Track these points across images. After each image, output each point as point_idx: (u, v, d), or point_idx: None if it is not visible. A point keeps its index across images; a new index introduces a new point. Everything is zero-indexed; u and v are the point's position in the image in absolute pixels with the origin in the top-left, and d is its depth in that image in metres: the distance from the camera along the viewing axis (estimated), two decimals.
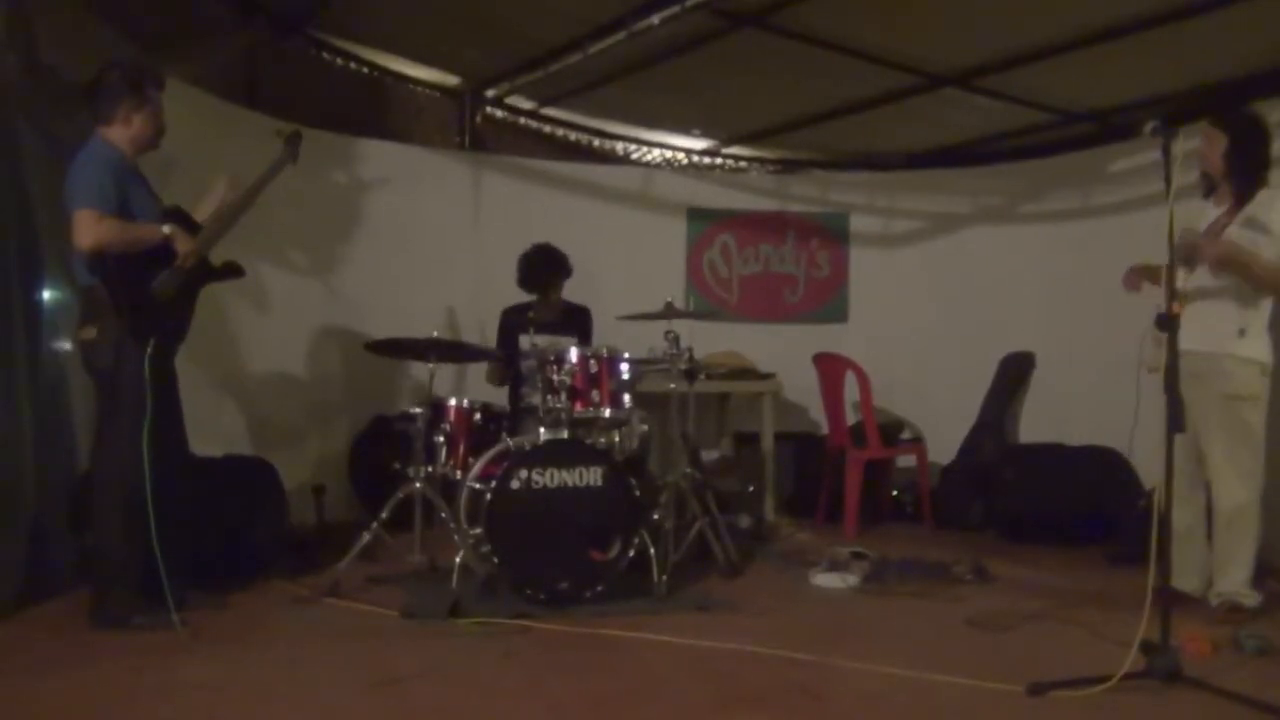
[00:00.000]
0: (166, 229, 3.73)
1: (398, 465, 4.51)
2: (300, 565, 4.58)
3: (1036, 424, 6.65)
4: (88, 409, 4.12)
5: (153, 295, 3.69)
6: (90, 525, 3.82)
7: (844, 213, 7.38)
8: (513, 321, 5.46)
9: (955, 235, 7.22)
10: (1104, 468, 5.79)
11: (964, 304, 7.02)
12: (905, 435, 6.65)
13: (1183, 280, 3.83)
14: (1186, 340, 3.30)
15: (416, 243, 6.51)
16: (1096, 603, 4.25)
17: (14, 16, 3.91)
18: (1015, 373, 6.77)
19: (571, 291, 5.60)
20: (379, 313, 6.04)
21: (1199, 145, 4.10)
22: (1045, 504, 5.77)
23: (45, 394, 4.09)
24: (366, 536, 4.29)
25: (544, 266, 5.43)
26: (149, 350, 3.62)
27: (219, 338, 5.40)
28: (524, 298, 5.55)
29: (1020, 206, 7.06)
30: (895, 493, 6.59)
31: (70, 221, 3.59)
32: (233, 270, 4.03)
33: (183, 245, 3.76)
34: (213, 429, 5.09)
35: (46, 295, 4.17)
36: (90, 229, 3.55)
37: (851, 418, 6.39)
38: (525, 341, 5.11)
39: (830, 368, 6.39)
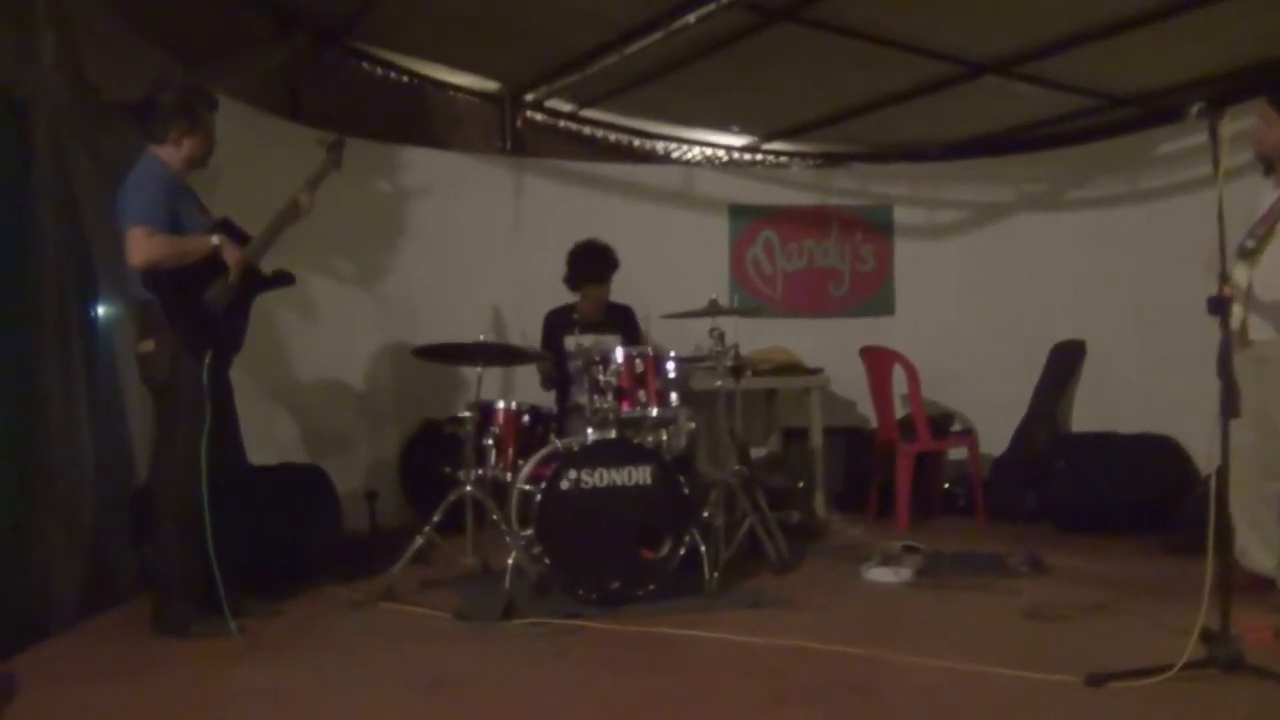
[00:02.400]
0: (215, 239, 3.78)
1: (448, 469, 4.52)
2: (354, 570, 4.62)
3: (1088, 413, 6.56)
4: (146, 422, 4.18)
5: (206, 307, 3.75)
6: (150, 536, 3.88)
7: (887, 205, 7.32)
8: (557, 323, 5.48)
9: (1001, 224, 7.14)
10: (1158, 456, 5.71)
11: (1012, 293, 6.94)
12: (955, 427, 6.60)
13: (1244, 276, 3.76)
14: (1258, 329, 3.24)
15: (460, 248, 6.53)
16: (1154, 592, 4.20)
17: (61, 36, 3.97)
18: (1066, 362, 6.68)
19: (616, 292, 5.61)
20: (425, 318, 6.07)
21: (1256, 126, 4.02)
22: (1099, 493, 5.69)
23: (104, 407, 4.16)
24: (419, 540, 4.32)
25: (594, 258, 5.43)
26: (205, 361, 3.67)
27: (270, 348, 5.46)
28: (566, 299, 5.56)
29: (1066, 193, 6.97)
30: (946, 485, 6.53)
31: (123, 239, 3.65)
32: (284, 278, 4.07)
33: (231, 256, 3.81)
34: (266, 438, 5.14)
35: (101, 311, 4.25)
36: (142, 246, 3.61)
37: (900, 411, 6.34)
38: (570, 342, 5.12)
39: (878, 361, 6.35)
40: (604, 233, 5.68)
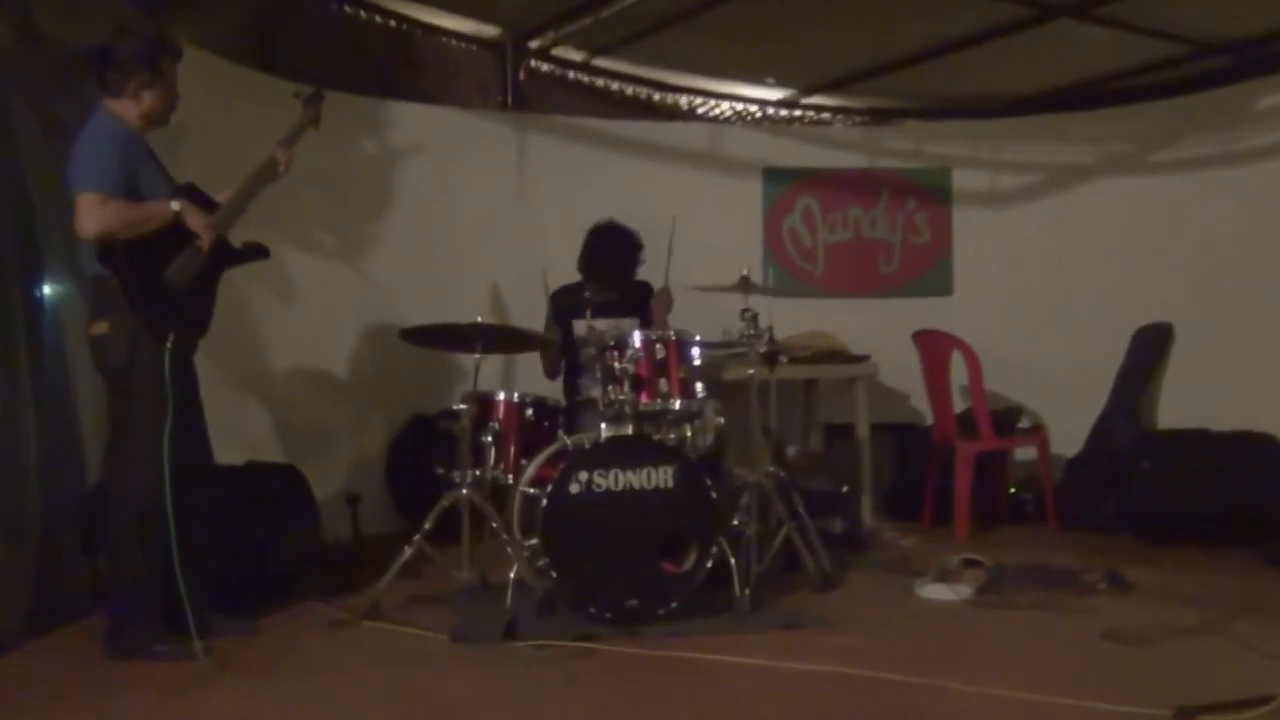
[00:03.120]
0: (175, 204, 3.77)
1: (441, 470, 4.53)
2: (335, 584, 4.63)
3: (1177, 407, 6.54)
4: (99, 413, 4.20)
5: (168, 284, 3.74)
6: (104, 544, 3.90)
7: (945, 168, 7.30)
8: (566, 304, 5.46)
9: (1076, 190, 7.11)
10: (1257, 456, 5.68)
11: (1088, 269, 6.92)
12: (1023, 423, 6.58)
13: None
14: None
15: (455, 217, 6.56)
16: (1251, 612, 4.18)
17: None
18: (1151, 348, 6.66)
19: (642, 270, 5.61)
20: (416, 298, 6.08)
21: None
22: (1189, 500, 5.66)
23: (51, 398, 4.17)
24: (408, 551, 4.33)
25: (613, 257, 5.40)
26: (168, 345, 3.67)
27: (239, 330, 5.47)
28: (575, 277, 5.55)
29: (1151, 154, 6.93)
30: (1012, 490, 6.53)
31: (73, 206, 3.64)
32: (255, 251, 4.07)
33: (195, 223, 3.80)
34: (235, 433, 5.16)
35: (49, 289, 4.26)
36: (93, 214, 3.60)
37: (959, 404, 6.33)
38: (581, 326, 5.11)
39: (933, 347, 6.33)
40: (619, 199, 5.67)
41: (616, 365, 4.35)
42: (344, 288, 6.20)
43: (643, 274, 5.59)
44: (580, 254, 5.46)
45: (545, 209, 6.67)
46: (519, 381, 6.23)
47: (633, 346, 4.38)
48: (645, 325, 5.34)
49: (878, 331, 6.62)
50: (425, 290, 6.20)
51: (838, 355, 6.36)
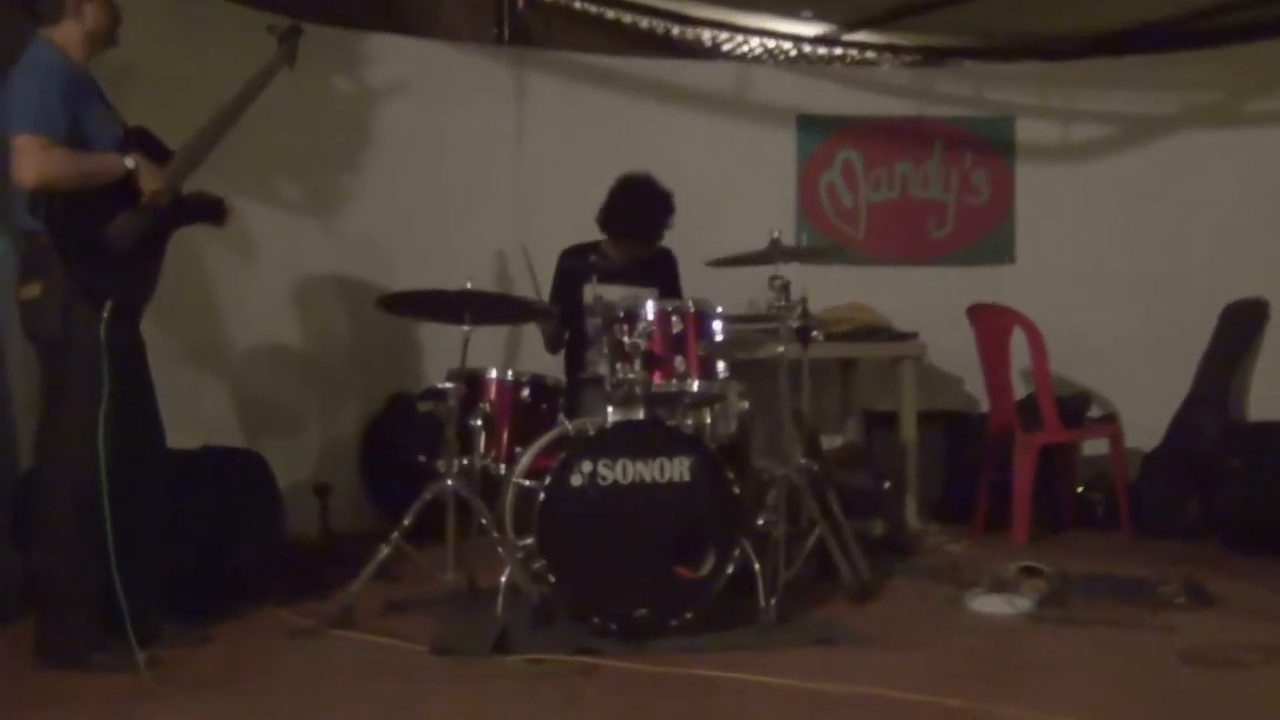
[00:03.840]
0: (130, 162, 3.76)
1: (423, 458, 4.53)
2: (300, 587, 4.64)
3: (1273, 396, 6.53)
4: (31, 389, 4.20)
5: (110, 242, 3.74)
6: (35, 538, 3.89)
7: (1008, 117, 7.27)
8: (573, 267, 5.44)
9: (1158, 144, 7.08)
10: None
11: (1172, 236, 6.90)
12: (1093, 413, 6.56)
13: None
14: None
15: (444, 168, 6.56)
16: None
17: None
18: (1242, 328, 6.63)
19: None
20: (396, 259, 6.09)
21: None
22: None
23: None
24: (385, 550, 4.32)
25: (644, 215, 5.39)
26: (106, 313, 3.67)
27: (192, 296, 5.47)
28: (586, 234, 5.54)
29: (1247, 103, 6.90)
30: (1080, 489, 6.51)
31: (9, 151, 3.62)
32: (213, 208, 4.07)
33: (150, 182, 3.80)
34: (188, 413, 5.16)
35: None
36: (34, 159, 3.58)
37: (1020, 390, 6.30)
38: (589, 293, 5.10)
39: (991, 324, 6.30)
40: (630, 150, 5.67)
41: (626, 339, 4.34)
42: (314, 247, 6.21)
43: (666, 237, 5.59)
44: (605, 204, 5.44)
45: (546, 160, 6.66)
46: (516, 357, 6.24)
47: (645, 318, 4.37)
48: (669, 296, 5.33)
49: (927, 305, 6.62)
50: (407, 252, 6.20)
51: (880, 332, 6.35)
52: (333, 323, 6.28)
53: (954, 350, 6.62)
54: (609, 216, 5.42)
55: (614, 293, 5.03)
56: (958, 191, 7.29)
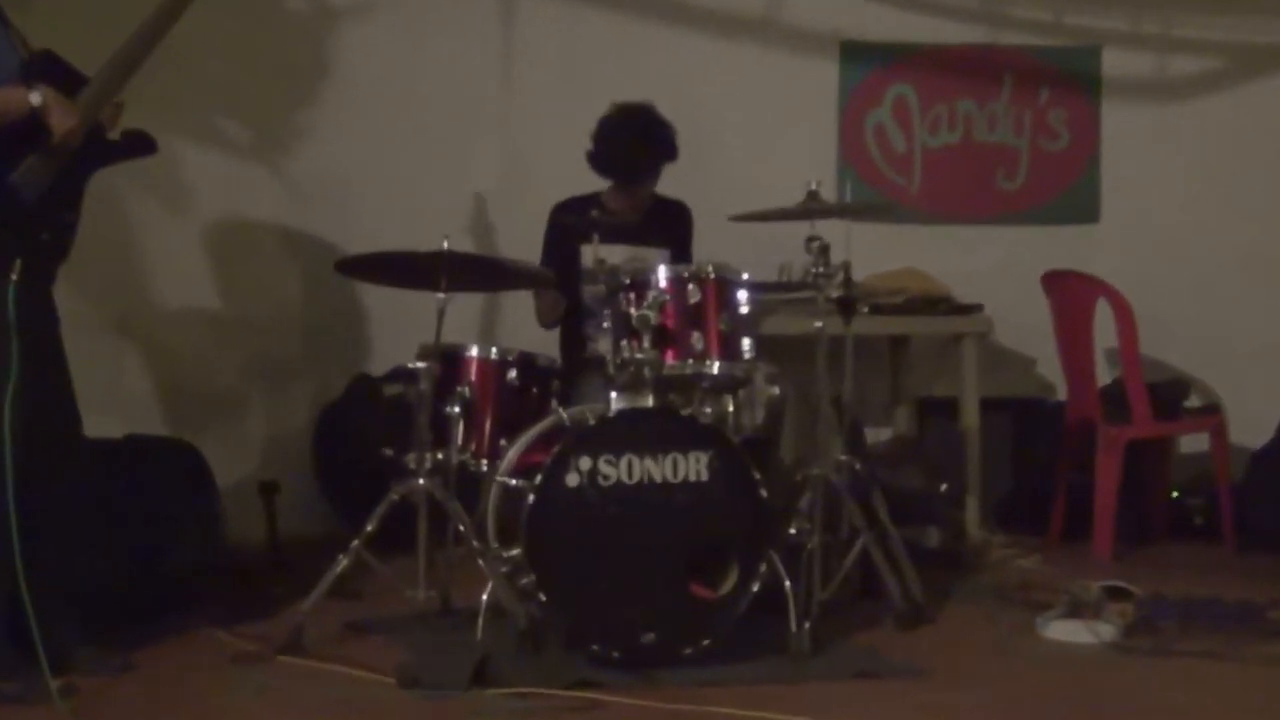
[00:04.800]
0: (36, 98, 3.74)
1: (389, 451, 4.55)
2: (242, 604, 4.65)
3: None
4: None
5: (15, 192, 3.73)
6: None
7: (1093, 46, 7.24)
8: (569, 225, 5.44)
9: (1274, 80, 7.07)
10: None
11: None
12: (1192, 402, 6.54)
13: None
14: None
15: (417, 104, 6.54)
16: None
17: None
18: None
19: (661, 181, 5.58)
20: (359, 213, 6.07)
21: None
22: None
23: None
24: (343, 561, 4.32)
25: (636, 146, 5.40)
26: (14, 275, 3.67)
27: (115, 255, 5.47)
28: (586, 185, 5.53)
29: None
30: (1176, 494, 6.50)
31: None
32: (138, 144, 4.06)
33: (61, 118, 3.77)
34: (109, 396, 5.18)
35: None
36: None
37: (1105, 374, 6.29)
38: (589, 255, 5.09)
39: (1071, 295, 6.28)
40: (642, 84, 5.62)
41: (634, 311, 4.32)
42: (260, 197, 6.22)
43: (676, 188, 5.57)
44: (594, 142, 5.44)
45: (540, 95, 6.63)
46: (501, 332, 6.22)
47: (656, 286, 4.35)
48: (681, 259, 5.31)
49: (994, 272, 6.62)
50: (372, 204, 6.20)
51: (938, 303, 6.32)
52: (282, 288, 6.29)
53: (1026, 326, 6.62)
54: (598, 153, 5.44)
55: (617, 254, 5.03)
56: (1032, 135, 7.26)
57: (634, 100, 5.47)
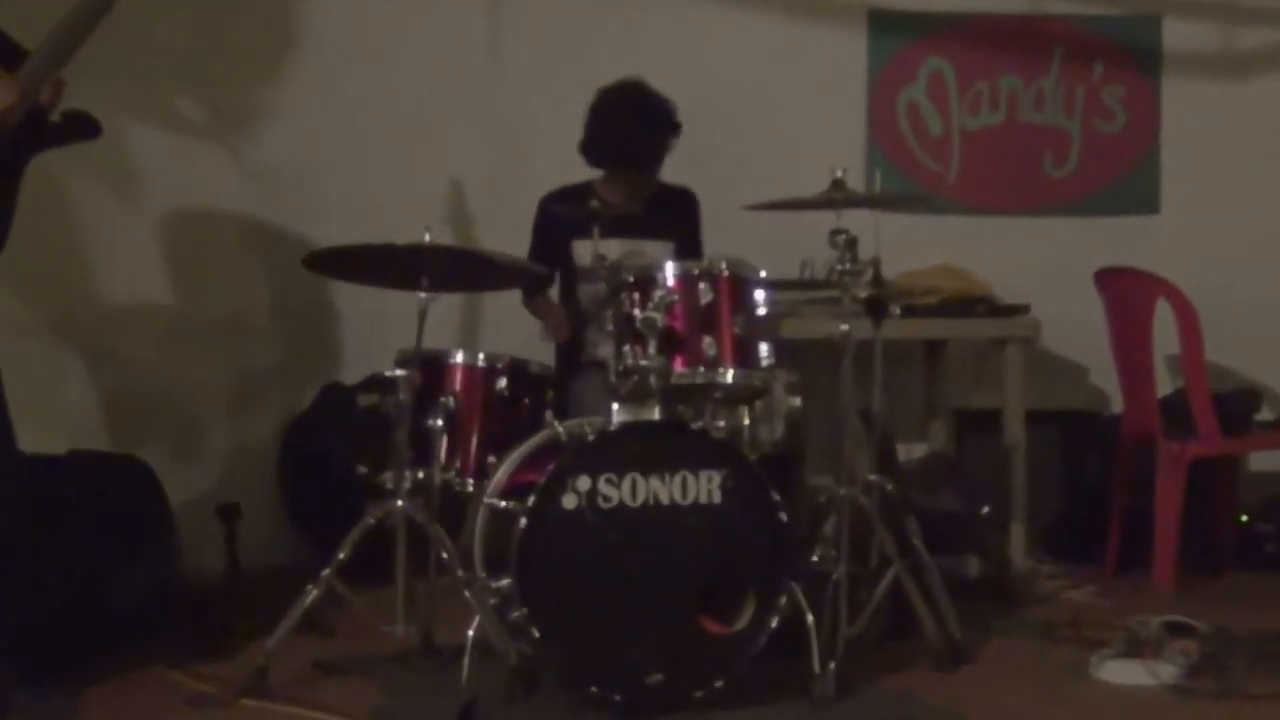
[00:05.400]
0: None
1: (364, 469, 4.56)
2: (200, 640, 4.65)
3: None
4: None
5: None
6: None
7: (1153, 15, 7.25)
8: (561, 217, 5.44)
9: None
10: None
11: None
12: (1263, 415, 6.54)
13: None
14: None
15: (394, 79, 6.56)
16: None
17: None
18: None
19: (667, 168, 5.60)
20: (330, 202, 6.07)
21: None
22: None
23: None
24: (313, 592, 4.32)
25: (632, 129, 5.41)
26: None
27: (56, 251, 5.46)
28: (578, 174, 5.55)
29: None
30: (1244, 518, 6.49)
31: None
32: (81, 126, 4.07)
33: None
34: (50, 407, 5.17)
35: None
36: None
37: (1166, 384, 6.28)
38: (585, 251, 5.08)
39: (1128, 296, 6.28)
40: (644, 59, 5.63)
41: (638, 313, 4.33)
42: (219, 184, 6.22)
43: (684, 175, 5.57)
44: (586, 126, 5.46)
45: (532, 70, 6.65)
46: (489, 336, 6.22)
47: (663, 285, 4.35)
48: (687, 253, 5.31)
49: (1041, 269, 6.63)
50: (345, 192, 6.19)
51: (979, 304, 6.32)
52: (243, 286, 6.30)
53: (1076, 330, 6.62)
54: (593, 142, 5.46)
55: (614, 249, 5.02)
56: (1084, 116, 7.26)
57: (622, 79, 5.49)
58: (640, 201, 5.44)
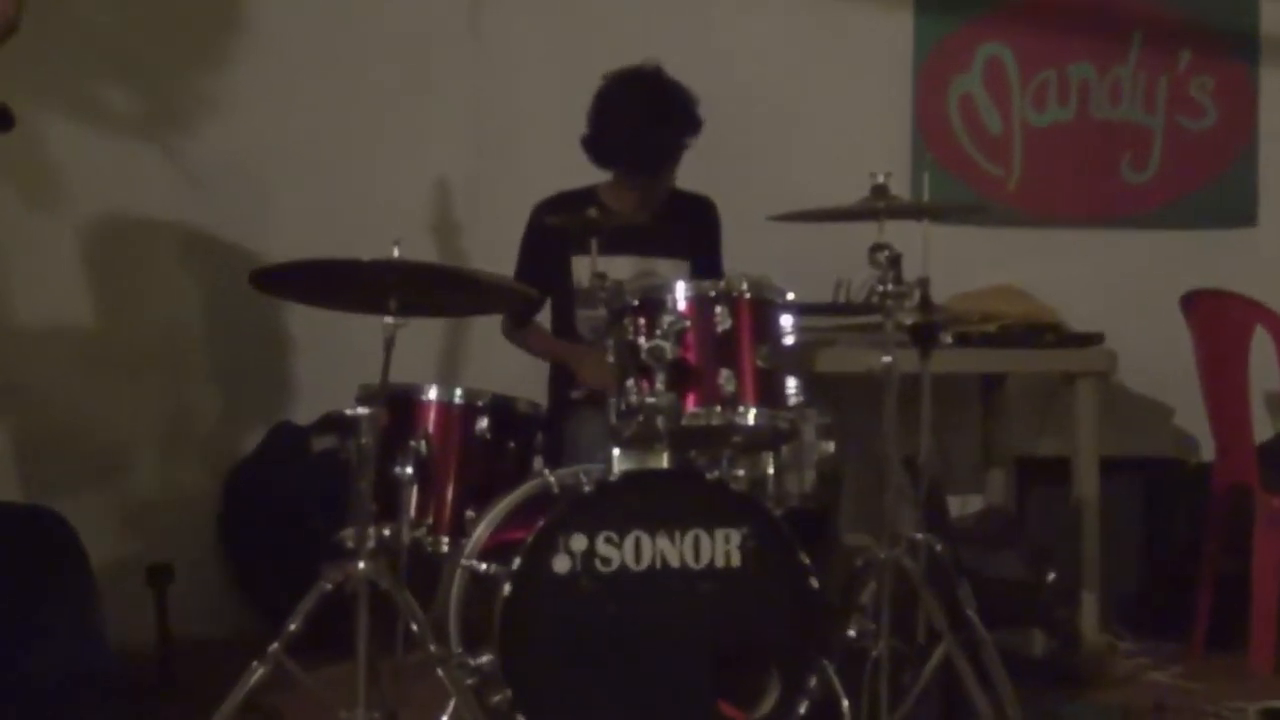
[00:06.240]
0: None
1: (319, 525, 4.53)
2: None
3: None
4: None
5: None
6: None
7: None
8: (556, 228, 5.43)
9: None
10: None
11: None
12: None
13: None
14: None
15: (361, 70, 6.59)
16: None
17: None
18: None
19: (685, 170, 5.60)
20: (284, 211, 6.08)
21: None
22: None
23: None
24: (259, 670, 4.31)
25: (657, 117, 5.39)
26: None
27: None
28: (576, 176, 5.56)
29: None
30: None
31: None
32: None
33: None
34: None
35: None
36: None
37: (1265, 427, 6.27)
38: (583, 268, 5.08)
39: (1220, 322, 6.28)
40: (652, 43, 5.64)
41: (643, 342, 4.32)
42: (152, 189, 6.24)
43: (697, 181, 5.58)
44: (591, 124, 5.45)
45: (522, 55, 6.67)
46: (468, 370, 6.22)
47: (673, 309, 4.35)
48: (705, 273, 5.30)
49: (1117, 291, 6.68)
50: (300, 198, 6.21)
51: (1044, 332, 6.30)
52: (179, 308, 6.32)
53: (1159, 363, 6.65)
54: (599, 138, 5.44)
55: (621, 268, 5.03)
56: (1167, 111, 7.28)
57: (636, 65, 5.46)
58: (650, 211, 5.44)
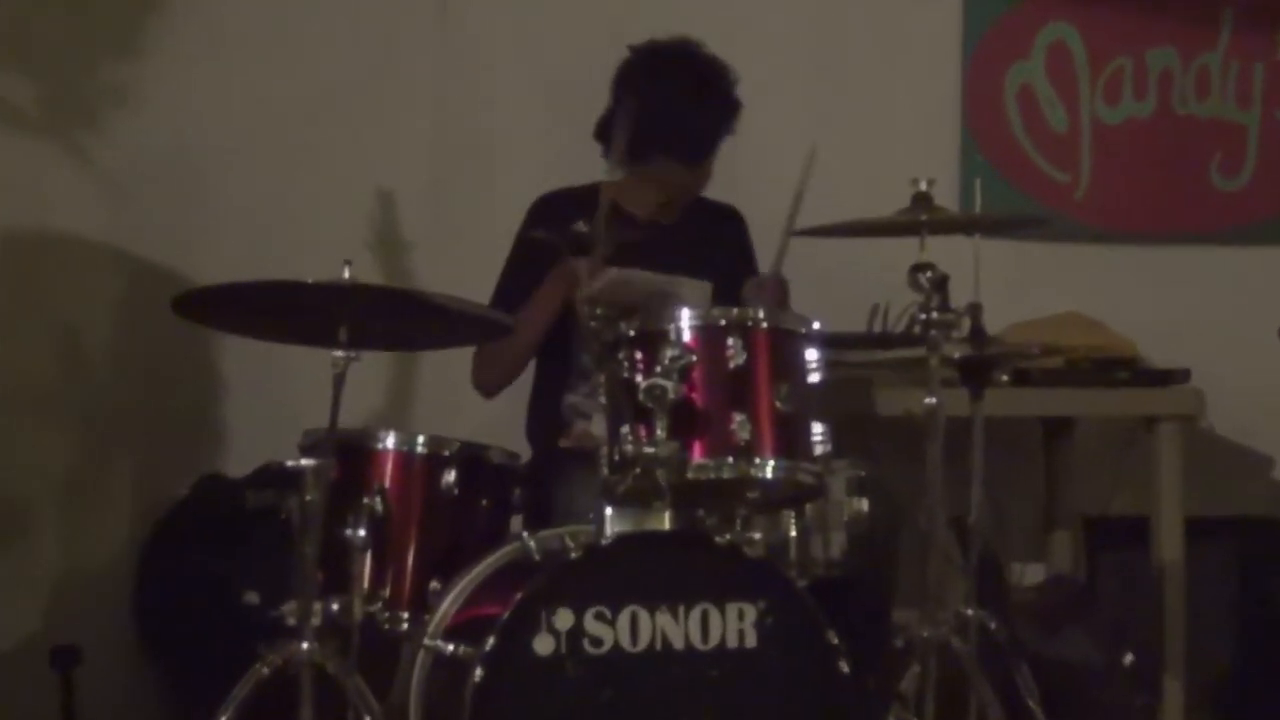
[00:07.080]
0: None
1: (254, 597, 4.53)
2: None
3: None
4: None
5: None
6: None
7: None
8: (553, 232, 5.41)
9: None
10: None
11: None
12: None
13: None
14: None
15: (305, 57, 6.60)
16: None
17: None
18: None
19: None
20: (214, 223, 6.08)
21: None
22: None
23: None
24: None
25: (693, 96, 5.39)
26: None
27: None
28: (572, 175, 5.55)
29: None
30: None
31: None
32: None
33: None
34: None
35: None
36: None
37: None
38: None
39: None
40: (653, 26, 5.65)
41: (641, 380, 4.30)
42: (55, 196, 6.25)
43: (711, 188, 5.58)
44: (615, 99, 5.43)
45: (494, 38, 6.67)
46: (431, 413, 6.21)
47: (677, 340, 4.34)
48: (731, 298, 5.28)
49: (1206, 319, 6.68)
50: (234, 208, 6.19)
51: (1118, 368, 6.33)
52: (89, 337, 6.31)
53: (1254, 405, 6.70)
54: (630, 117, 5.39)
55: (636, 280, 5.01)
56: (1265, 105, 7.29)
57: (670, 37, 5.47)
58: (675, 213, 5.43)
